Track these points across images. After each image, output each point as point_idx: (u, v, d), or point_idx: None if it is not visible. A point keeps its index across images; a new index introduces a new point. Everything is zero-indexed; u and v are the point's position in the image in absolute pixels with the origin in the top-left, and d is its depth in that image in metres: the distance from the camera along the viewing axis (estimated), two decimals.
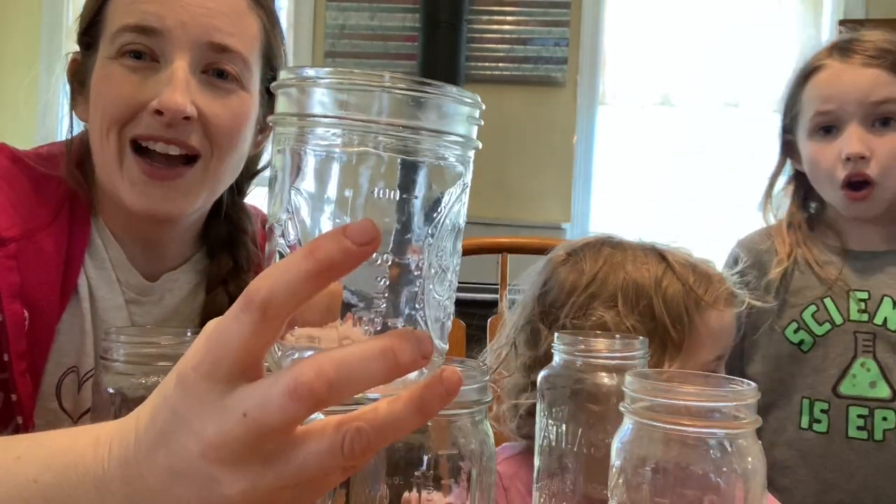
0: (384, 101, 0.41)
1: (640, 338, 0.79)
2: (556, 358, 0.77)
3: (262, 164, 1.09)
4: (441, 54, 3.45)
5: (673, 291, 0.91)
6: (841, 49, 1.22)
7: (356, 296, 0.42)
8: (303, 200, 0.42)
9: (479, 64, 3.55)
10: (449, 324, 0.46)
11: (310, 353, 0.42)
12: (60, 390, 0.93)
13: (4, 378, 0.87)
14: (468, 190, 0.46)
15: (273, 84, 0.44)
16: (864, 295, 1.23)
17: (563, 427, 0.74)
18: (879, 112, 1.18)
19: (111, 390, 0.71)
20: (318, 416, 0.42)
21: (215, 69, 0.90)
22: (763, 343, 1.29)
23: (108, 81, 0.89)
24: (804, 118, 1.25)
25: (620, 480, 0.59)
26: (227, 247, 1.03)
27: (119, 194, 0.90)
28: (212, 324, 0.42)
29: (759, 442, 0.59)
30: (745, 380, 0.61)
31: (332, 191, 0.42)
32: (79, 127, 0.98)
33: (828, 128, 1.22)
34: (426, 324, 0.43)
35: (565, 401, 0.75)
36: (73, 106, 0.97)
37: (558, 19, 3.54)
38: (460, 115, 0.43)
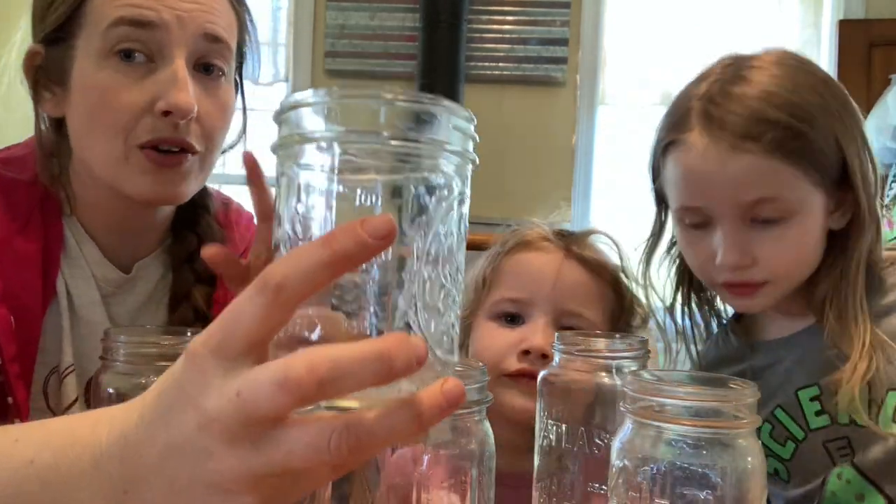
0: (380, 115, 0.42)
1: (641, 337, 0.79)
2: (556, 358, 0.78)
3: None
4: (441, 54, 3.44)
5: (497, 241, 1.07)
6: (709, 116, 0.92)
7: (346, 300, 0.42)
8: (302, 218, 0.44)
9: (479, 63, 3.55)
10: (453, 335, 0.46)
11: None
12: (47, 389, 0.94)
13: (0, 382, 0.87)
14: (467, 202, 0.46)
15: (273, 115, 0.46)
16: (814, 391, 0.95)
17: (563, 427, 0.75)
18: (755, 213, 0.91)
19: (111, 390, 0.71)
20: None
21: (203, 63, 0.92)
22: None
23: (106, 86, 0.88)
24: (670, 197, 1.00)
25: (620, 480, 0.59)
26: (191, 225, 1.05)
27: (121, 184, 0.91)
28: (228, 308, 0.42)
29: (759, 442, 0.59)
30: (744, 380, 0.62)
31: (327, 204, 0.43)
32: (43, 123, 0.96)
33: (696, 223, 0.96)
34: (421, 331, 0.43)
35: (565, 401, 0.75)
36: (37, 100, 0.95)
37: (558, 19, 3.54)
38: (456, 128, 0.44)
